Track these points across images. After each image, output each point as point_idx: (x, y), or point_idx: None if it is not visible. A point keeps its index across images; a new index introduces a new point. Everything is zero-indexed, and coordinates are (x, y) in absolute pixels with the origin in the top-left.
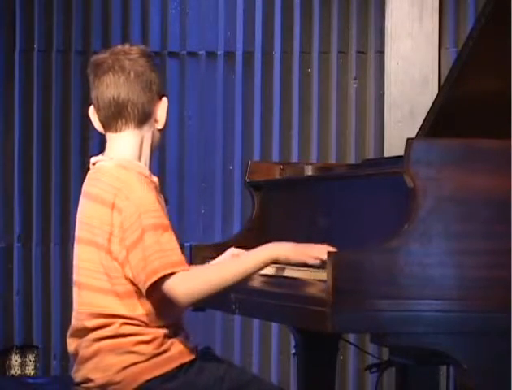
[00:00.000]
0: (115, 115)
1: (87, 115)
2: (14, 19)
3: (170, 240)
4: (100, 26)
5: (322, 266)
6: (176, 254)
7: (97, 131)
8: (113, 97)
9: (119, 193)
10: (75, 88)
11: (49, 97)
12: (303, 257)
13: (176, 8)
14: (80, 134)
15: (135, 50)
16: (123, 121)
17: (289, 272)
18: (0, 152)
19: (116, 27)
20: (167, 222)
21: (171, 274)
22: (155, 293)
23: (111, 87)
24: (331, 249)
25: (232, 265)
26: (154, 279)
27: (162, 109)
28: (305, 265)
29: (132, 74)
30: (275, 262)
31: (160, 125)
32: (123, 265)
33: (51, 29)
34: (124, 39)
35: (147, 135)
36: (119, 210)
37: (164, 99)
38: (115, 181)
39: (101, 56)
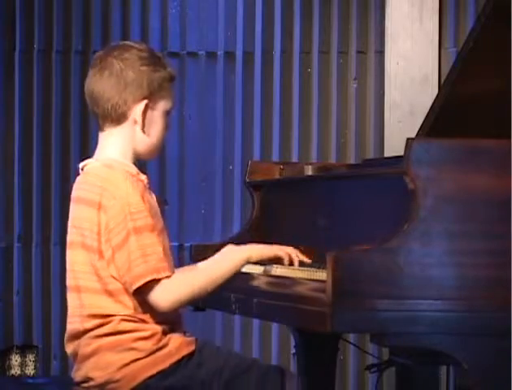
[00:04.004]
0: (95, 112)
1: (87, 115)
2: (14, 19)
3: (153, 243)
4: (100, 26)
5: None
6: (159, 259)
7: (97, 131)
8: (88, 92)
9: (104, 193)
10: (75, 88)
11: (49, 97)
12: (274, 251)
13: (176, 8)
14: (80, 134)
15: (133, 48)
16: (102, 119)
17: (289, 272)
18: (0, 152)
19: (116, 27)
20: (152, 222)
21: (154, 280)
22: (141, 296)
23: (90, 81)
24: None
25: (211, 271)
26: (140, 283)
27: (138, 111)
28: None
29: (106, 72)
30: (249, 260)
31: (140, 127)
32: (108, 263)
33: (51, 29)
34: (124, 39)
35: (128, 135)
36: (105, 209)
37: (143, 102)
38: (100, 181)
39: (105, 48)
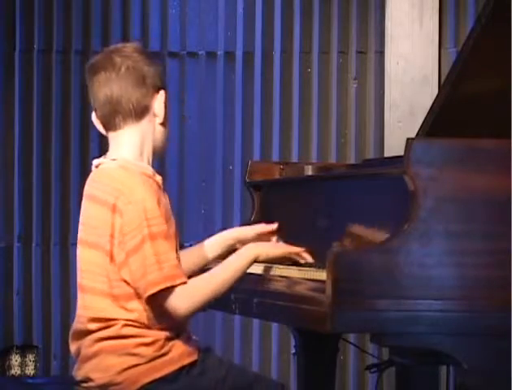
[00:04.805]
0: (112, 113)
1: (87, 116)
2: (14, 19)
3: (167, 250)
4: (100, 26)
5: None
6: (173, 266)
7: (97, 131)
8: (106, 95)
9: (120, 196)
10: (75, 88)
11: (49, 97)
12: (281, 250)
13: (176, 8)
14: (80, 134)
15: (128, 47)
16: (120, 118)
17: (289, 272)
18: (0, 152)
19: (116, 27)
20: (165, 228)
21: (171, 287)
22: (155, 301)
23: (104, 85)
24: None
25: (222, 273)
26: (154, 290)
27: (159, 102)
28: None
29: (122, 69)
30: (256, 260)
31: (160, 119)
32: (120, 267)
33: (51, 29)
34: (124, 39)
35: (147, 130)
36: (120, 213)
37: (161, 92)
38: (116, 183)
39: (95, 57)
